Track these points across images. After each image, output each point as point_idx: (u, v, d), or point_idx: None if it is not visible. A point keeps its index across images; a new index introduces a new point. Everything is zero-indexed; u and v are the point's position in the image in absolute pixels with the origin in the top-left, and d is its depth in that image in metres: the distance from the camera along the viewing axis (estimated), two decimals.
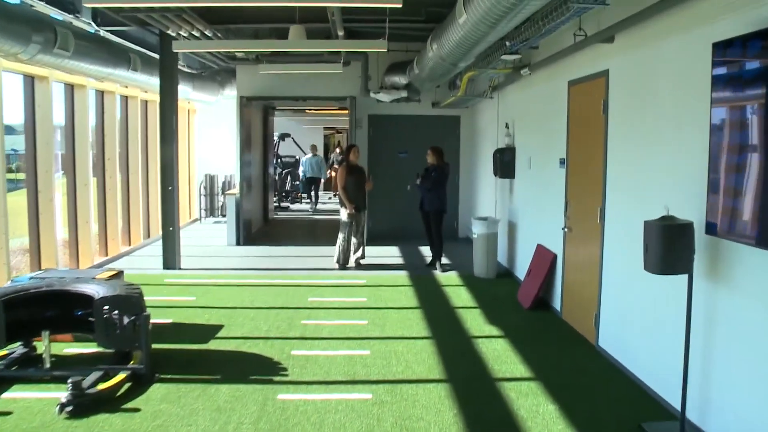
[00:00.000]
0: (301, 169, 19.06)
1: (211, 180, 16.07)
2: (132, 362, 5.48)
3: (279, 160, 20.61)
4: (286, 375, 5.59)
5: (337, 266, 10.20)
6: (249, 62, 12.07)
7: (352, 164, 10.18)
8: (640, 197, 5.37)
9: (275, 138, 19.69)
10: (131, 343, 5.36)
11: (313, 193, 19.02)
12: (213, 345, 6.39)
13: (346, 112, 12.99)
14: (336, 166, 21.12)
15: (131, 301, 5.34)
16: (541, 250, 8.05)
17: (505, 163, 9.52)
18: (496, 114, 10.56)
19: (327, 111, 18.13)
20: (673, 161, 4.79)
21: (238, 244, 12.35)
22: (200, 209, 16.12)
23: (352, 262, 10.34)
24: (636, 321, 5.44)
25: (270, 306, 7.85)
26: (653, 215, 4.53)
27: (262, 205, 15.36)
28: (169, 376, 5.48)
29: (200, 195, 16.07)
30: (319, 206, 19.60)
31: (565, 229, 7.14)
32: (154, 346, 5.99)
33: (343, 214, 10.15)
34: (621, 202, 5.79)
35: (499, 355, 6.10)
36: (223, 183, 16.44)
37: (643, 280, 5.20)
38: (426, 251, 10.88)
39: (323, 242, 12.27)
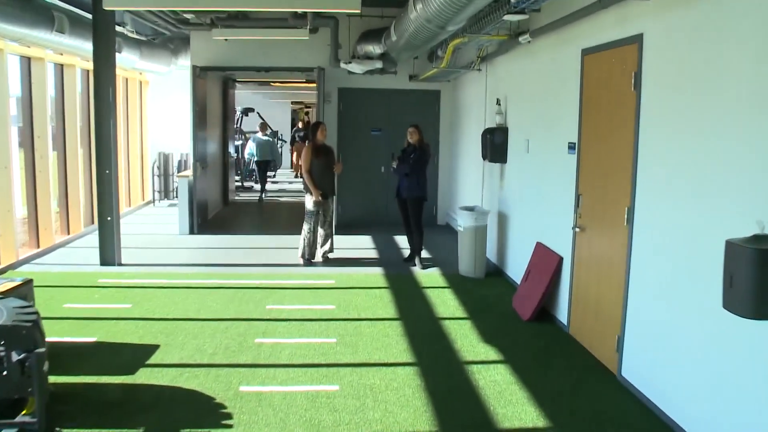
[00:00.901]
0: (247, 151, 17.07)
1: (165, 159, 14.60)
2: (24, 412, 4.15)
3: (242, 136, 19.17)
4: (230, 425, 4.30)
5: (301, 261, 8.90)
6: (203, 27, 10.60)
7: (318, 144, 8.84)
8: (692, 198, 4.14)
9: (237, 113, 18.25)
10: (19, 390, 4.03)
11: (267, 178, 16.87)
12: (142, 376, 5.06)
13: (315, 85, 11.58)
14: (298, 141, 19.68)
15: (20, 333, 4.00)
16: (541, 249, 6.84)
17: (495, 146, 8.26)
18: (485, 88, 9.28)
19: (294, 84, 16.66)
20: (748, 153, 3.56)
21: (191, 232, 10.97)
22: (153, 191, 14.65)
23: (319, 257, 9.05)
24: (683, 359, 4.23)
25: (219, 317, 6.53)
26: (713, 223, 3.38)
27: (221, 187, 13.98)
28: (74, 431, 4.17)
29: (153, 175, 14.59)
30: (285, 186, 18.25)
31: (576, 229, 5.91)
32: (64, 380, 4.72)
33: (309, 202, 8.83)
34: (661, 202, 4.55)
35: (502, 391, 4.87)
36: (179, 162, 14.99)
37: (697, 308, 4.01)
38: (403, 242, 9.62)
39: (288, 230, 10.93)
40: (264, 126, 16.63)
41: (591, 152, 5.71)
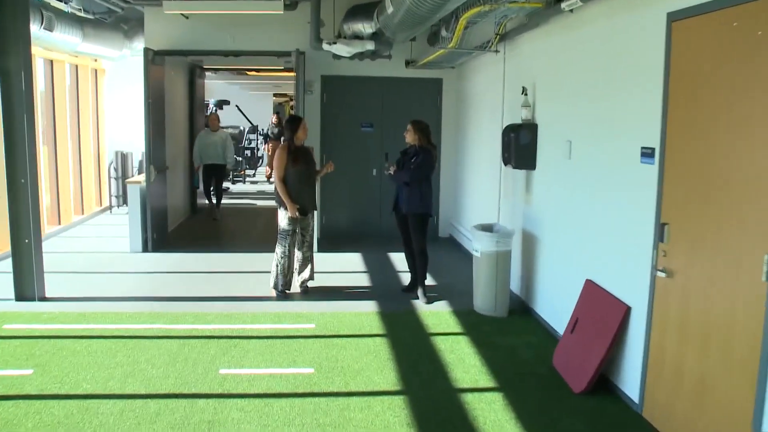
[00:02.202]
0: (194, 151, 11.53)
1: (123, 159, 12.68)
2: None
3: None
4: None
5: (274, 294, 7.06)
6: (157, 2, 8.70)
7: (296, 146, 6.97)
8: None
9: (210, 106, 16.39)
10: None
11: (214, 191, 11.89)
12: None
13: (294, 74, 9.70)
14: (272, 138, 17.05)
15: None
16: (595, 292, 5.02)
17: (521, 147, 6.43)
18: (502, 75, 7.46)
19: (273, 73, 14.69)
20: None
21: (144, 250, 9.08)
22: (110, 196, 12.72)
23: (296, 286, 7.22)
24: None
25: (151, 392, 4.67)
26: None
27: (187, 192, 12.08)
28: None
29: (109, 178, 12.65)
30: (265, 187, 16.38)
31: (661, 272, 4.09)
32: None
33: (282, 219, 6.97)
34: None
35: None
36: (140, 162, 13.07)
37: None
38: (401, 263, 7.80)
39: (263, 245, 9.07)
40: (213, 119, 11.73)
41: (687, 162, 3.89)
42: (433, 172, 7.01)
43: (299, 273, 7.20)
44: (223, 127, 13.20)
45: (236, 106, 19.34)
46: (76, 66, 11.64)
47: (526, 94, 6.49)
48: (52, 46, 9.20)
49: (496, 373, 5.08)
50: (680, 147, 3.94)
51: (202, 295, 7.09)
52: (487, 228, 6.68)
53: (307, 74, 9.45)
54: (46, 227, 9.95)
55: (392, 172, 7.00)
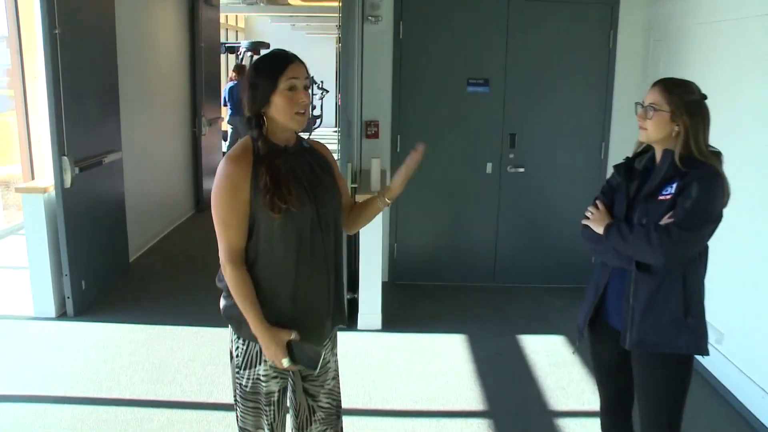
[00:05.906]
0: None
1: None
2: None
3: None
4: None
5: None
6: None
7: (274, 144, 2.14)
8: None
9: (242, 49, 12.10)
10: None
11: None
12: None
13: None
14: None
15: None
16: None
17: None
18: None
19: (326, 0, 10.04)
20: None
21: (61, 315, 4.79)
22: None
23: None
24: None
25: None
26: None
27: (188, 182, 7.92)
28: None
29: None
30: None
31: None
32: None
33: (246, 358, 2.28)
34: None
35: None
36: None
37: None
38: (559, 375, 3.38)
39: None
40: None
41: None
42: (712, 231, 2.42)
43: None
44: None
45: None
46: None
47: None
48: None
49: None
50: None
51: None
52: None
53: None
54: None
55: (593, 216, 2.46)
